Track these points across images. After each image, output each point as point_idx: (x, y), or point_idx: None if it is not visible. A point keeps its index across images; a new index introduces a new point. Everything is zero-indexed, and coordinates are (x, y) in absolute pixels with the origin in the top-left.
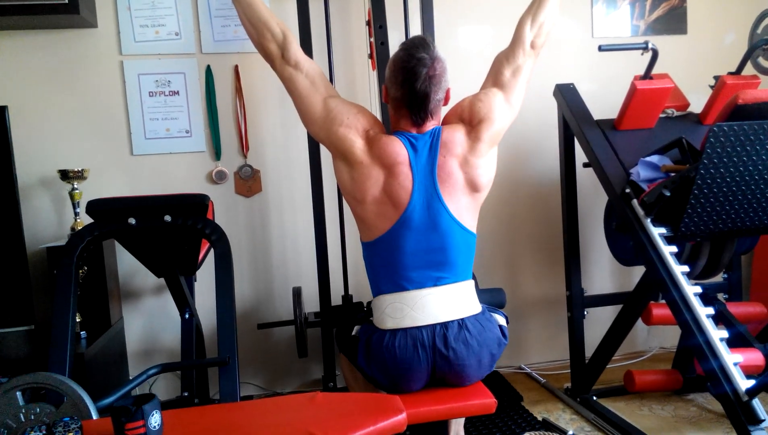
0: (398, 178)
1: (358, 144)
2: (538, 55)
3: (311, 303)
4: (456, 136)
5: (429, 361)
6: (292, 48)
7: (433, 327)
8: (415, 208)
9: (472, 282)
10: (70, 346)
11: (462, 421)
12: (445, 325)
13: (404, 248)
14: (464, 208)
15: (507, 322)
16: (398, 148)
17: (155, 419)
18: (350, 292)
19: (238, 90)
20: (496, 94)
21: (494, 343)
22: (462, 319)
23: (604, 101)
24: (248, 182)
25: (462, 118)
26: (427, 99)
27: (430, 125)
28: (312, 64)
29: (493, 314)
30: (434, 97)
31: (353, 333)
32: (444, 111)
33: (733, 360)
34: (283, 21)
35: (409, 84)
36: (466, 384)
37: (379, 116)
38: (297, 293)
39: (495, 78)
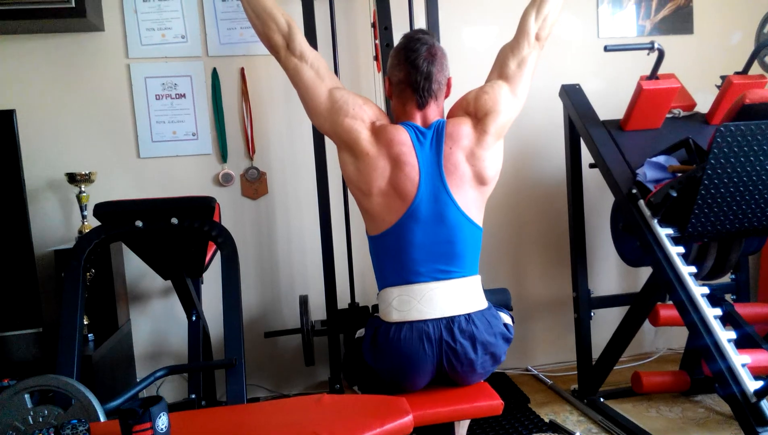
0: (404, 169)
1: (364, 135)
2: (543, 47)
3: (318, 311)
4: (462, 129)
5: (435, 354)
6: (297, 39)
7: (439, 321)
8: (422, 200)
9: (479, 277)
10: (77, 348)
11: (467, 423)
12: (451, 319)
13: (412, 241)
14: (471, 201)
15: (513, 321)
16: (404, 138)
17: (162, 421)
18: (356, 300)
19: (244, 92)
20: (501, 86)
21: (501, 339)
22: (469, 314)
23: (610, 102)
24: (254, 184)
25: (467, 110)
26: (431, 77)
27: (434, 114)
28: (317, 55)
29: (499, 312)
30: (437, 77)
31: (357, 335)
32: (447, 104)
33: (740, 361)
34: None
35: (410, 61)
36: (471, 381)
37: None
38: (304, 302)
39: (500, 70)
